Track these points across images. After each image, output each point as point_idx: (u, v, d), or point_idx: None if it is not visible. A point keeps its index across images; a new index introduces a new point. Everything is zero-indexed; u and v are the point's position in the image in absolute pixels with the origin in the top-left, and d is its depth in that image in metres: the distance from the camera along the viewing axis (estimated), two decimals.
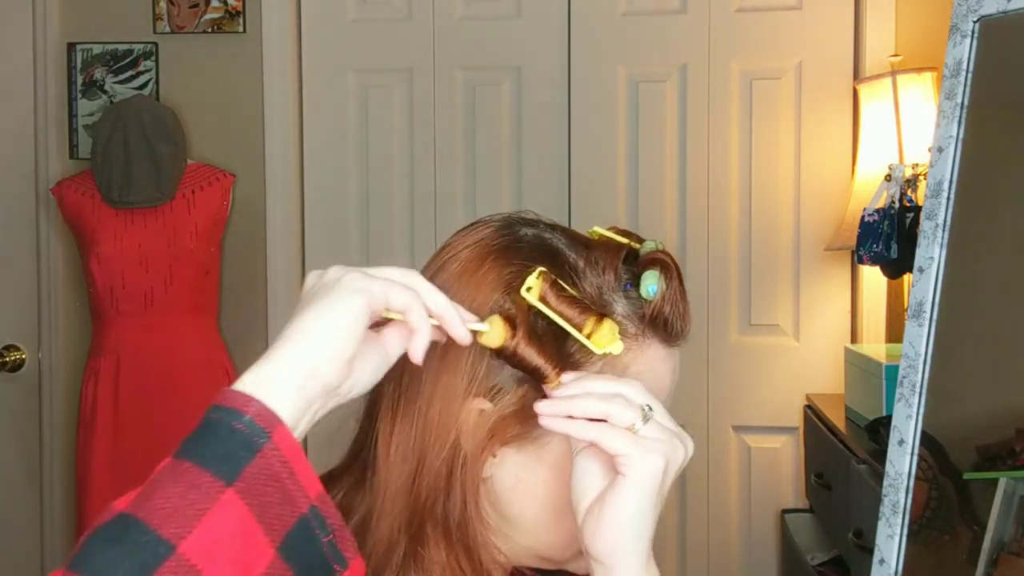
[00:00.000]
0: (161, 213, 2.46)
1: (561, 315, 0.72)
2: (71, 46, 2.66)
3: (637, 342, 0.75)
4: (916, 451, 1.31)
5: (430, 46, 2.66)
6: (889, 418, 1.43)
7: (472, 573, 0.75)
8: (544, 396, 0.71)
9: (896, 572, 1.30)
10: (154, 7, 2.64)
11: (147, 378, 2.43)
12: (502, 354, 0.71)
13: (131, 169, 2.41)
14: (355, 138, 2.70)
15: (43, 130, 2.62)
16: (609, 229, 0.81)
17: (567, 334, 0.72)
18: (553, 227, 0.79)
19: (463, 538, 0.74)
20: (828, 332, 2.53)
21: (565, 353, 0.73)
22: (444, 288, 0.73)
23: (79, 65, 2.66)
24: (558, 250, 0.76)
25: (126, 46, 2.65)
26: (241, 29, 2.62)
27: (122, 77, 2.65)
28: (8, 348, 2.50)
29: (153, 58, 2.64)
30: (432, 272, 0.78)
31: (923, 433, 1.32)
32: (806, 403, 2.43)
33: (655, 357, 0.76)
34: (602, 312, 0.73)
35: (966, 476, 1.37)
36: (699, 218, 2.57)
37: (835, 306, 2.54)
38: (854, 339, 2.51)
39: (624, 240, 0.79)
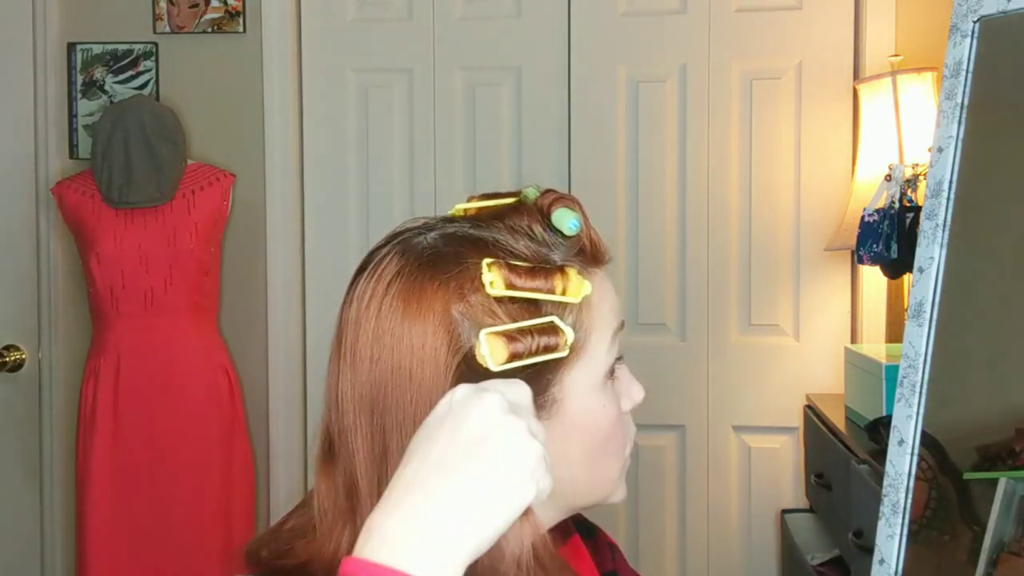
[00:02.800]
0: (161, 213, 2.46)
1: (532, 289, 0.73)
2: (71, 46, 2.66)
3: (591, 278, 0.77)
4: (916, 451, 1.31)
5: (430, 46, 2.66)
6: (889, 418, 1.43)
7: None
8: (552, 364, 0.74)
9: (896, 572, 1.30)
10: (154, 7, 2.64)
11: (147, 378, 2.43)
12: (513, 359, 0.71)
13: (131, 169, 2.41)
14: (355, 138, 2.70)
15: (43, 130, 2.62)
16: (470, 200, 0.82)
17: (537, 304, 0.73)
18: (445, 221, 0.79)
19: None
20: (828, 332, 2.53)
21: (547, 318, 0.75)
22: (393, 336, 0.72)
23: (79, 65, 2.66)
24: (475, 237, 0.76)
25: (126, 46, 2.65)
26: (241, 29, 2.62)
27: (122, 77, 2.65)
28: (8, 348, 2.50)
29: (153, 58, 2.64)
30: (371, 331, 0.74)
31: (923, 433, 1.32)
32: (806, 403, 2.43)
33: (601, 283, 0.79)
34: (560, 266, 0.75)
35: (966, 476, 1.37)
36: (699, 218, 2.57)
37: (835, 306, 2.54)
38: (854, 339, 2.51)
39: (508, 200, 0.81)
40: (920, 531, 1.34)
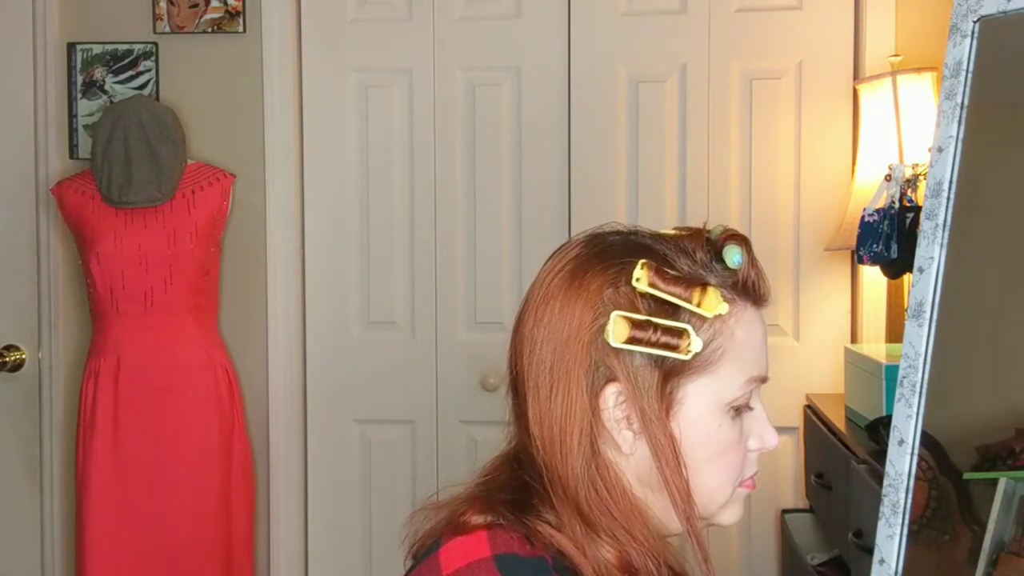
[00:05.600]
0: (161, 213, 2.45)
1: (671, 293, 0.84)
2: (71, 46, 2.66)
3: (735, 305, 0.87)
4: (916, 451, 1.31)
5: (430, 46, 2.66)
6: (889, 418, 1.43)
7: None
8: (677, 364, 0.85)
9: (896, 572, 1.30)
10: (154, 7, 2.64)
11: (147, 378, 2.43)
12: (635, 344, 0.83)
13: (131, 169, 2.41)
14: (355, 138, 2.70)
15: (43, 130, 2.62)
16: (673, 229, 0.93)
17: (677, 310, 0.84)
18: (634, 231, 0.92)
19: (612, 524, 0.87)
20: (828, 332, 2.53)
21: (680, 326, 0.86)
22: (556, 302, 0.87)
23: (79, 65, 2.66)
24: (647, 245, 0.89)
25: (126, 46, 2.65)
26: (241, 29, 2.62)
27: (122, 77, 2.65)
28: (8, 348, 2.50)
29: (153, 58, 2.64)
30: (539, 296, 0.89)
31: (923, 433, 1.32)
32: (806, 403, 2.43)
33: (752, 320, 0.89)
34: (704, 282, 0.85)
35: (966, 476, 1.37)
36: (699, 218, 2.56)
37: (835, 306, 2.54)
38: (854, 339, 2.51)
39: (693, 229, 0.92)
40: (920, 531, 1.34)
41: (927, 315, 1.31)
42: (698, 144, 2.57)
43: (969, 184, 1.31)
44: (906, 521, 1.31)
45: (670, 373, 0.86)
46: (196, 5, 2.63)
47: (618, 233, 0.92)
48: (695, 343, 0.84)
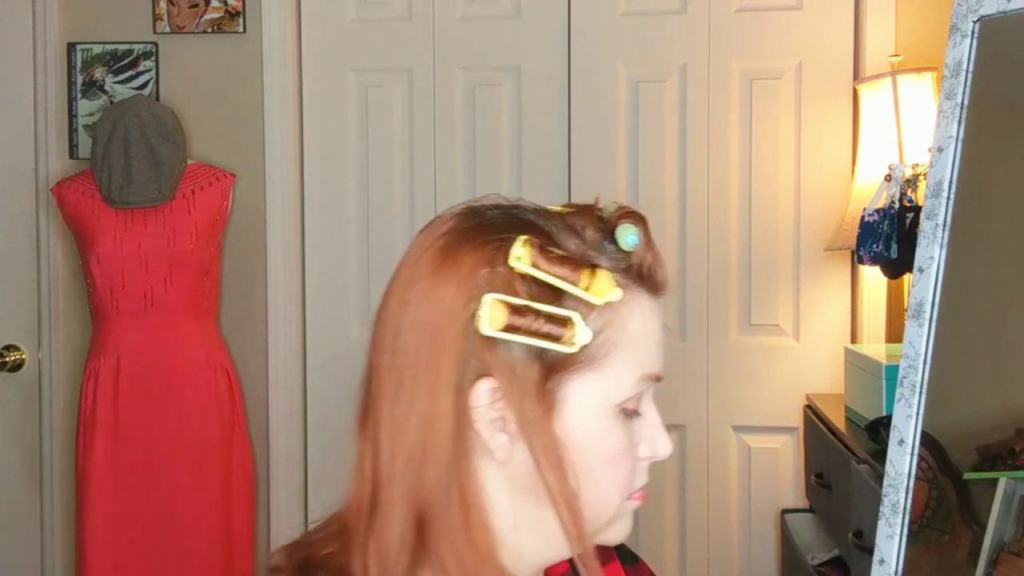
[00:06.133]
0: (161, 213, 2.46)
1: (555, 275, 0.73)
2: (71, 46, 2.66)
3: (629, 294, 0.76)
4: (916, 451, 1.31)
5: (430, 46, 2.66)
6: (889, 418, 1.43)
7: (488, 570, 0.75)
8: (560, 357, 0.73)
9: (896, 572, 1.30)
10: (154, 7, 2.64)
11: (147, 378, 2.43)
12: (513, 332, 0.72)
13: (131, 169, 2.41)
14: (355, 138, 2.70)
15: (43, 130, 2.62)
16: (562, 206, 0.82)
17: (562, 295, 0.73)
18: (516, 205, 0.80)
19: (473, 534, 0.75)
20: (828, 332, 2.53)
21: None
22: (424, 284, 0.75)
23: (79, 65, 2.66)
24: (530, 221, 0.77)
25: (126, 46, 2.65)
26: (241, 29, 2.62)
27: (122, 77, 2.65)
28: (8, 348, 2.50)
29: (153, 58, 2.64)
30: (405, 277, 0.78)
31: (923, 433, 1.32)
32: (806, 403, 2.43)
33: (647, 311, 0.77)
34: (594, 265, 0.74)
35: (966, 476, 1.37)
36: (699, 218, 2.57)
37: (835, 306, 2.54)
38: (854, 339, 2.51)
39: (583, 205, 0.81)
40: (920, 531, 1.34)
41: (927, 315, 1.31)
42: (698, 144, 2.57)
43: (969, 184, 1.31)
44: (906, 521, 1.31)
45: (552, 368, 0.74)
46: (196, 5, 2.63)
47: (498, 206, 0.80)
48: (582, 333, 0.73)
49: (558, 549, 0.80)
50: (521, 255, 0.73)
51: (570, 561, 0.86)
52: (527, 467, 0.75)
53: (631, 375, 0.76)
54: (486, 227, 0.76)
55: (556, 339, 0.73)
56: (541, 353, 0.73)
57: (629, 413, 0.78)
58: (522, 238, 0.74)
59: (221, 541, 2.46)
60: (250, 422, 2.60)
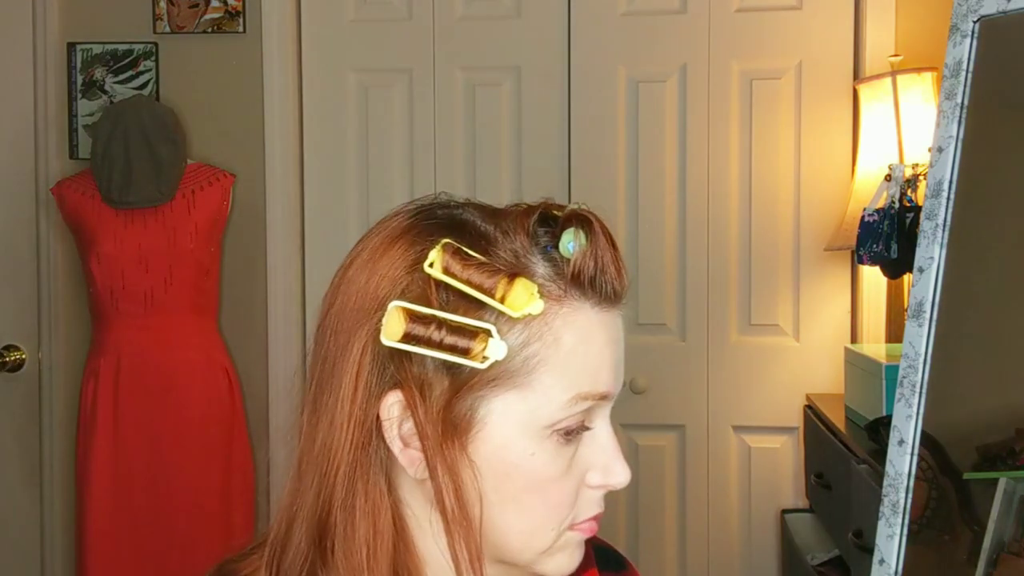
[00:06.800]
0: (161, 213, 2.46)
1: (468, 283, 0.67)
2: (71, 46, 2.66)
3: (564, 306, 0.69)
4: (916, 451, 1.31)
5: (430, 46, 2.66)
6: (889, 418, 1.43)
7: None
8: (475, 373, 0.68)
9: (896, 572, 1.30)
10: (154, 7, 2.64)
11: (147, 378, 2.43)
12: (414, 343, 0.67)
13: (131, 169, 2.41)
14: (355, 138, 2.70)
15: (43, 130, 2.62)
16: (514, 206, 0.75)
17: (483, 306, 0.67)
18: (469, 204, 0.74)
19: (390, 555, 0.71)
20: (828, 332, 2.53)
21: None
22: (350, 287, 0.72)
23: (79, 65, 2.66)
24: (467, 222, 0.71)
25: (126, 46, 2.65)
26: (241, 29, 2.62)
27: (122, 77, 2.65)
28: (8, 348, 2.50)
29: (153, 58, 2.64)
30: (345, 266, 0.74)
31: (923, 433, 1.32)
32: (806, 403, 2.43)
33: (588, 323, 0.69)
34: (514, 272, 0.67)
35: (966, 476, 1.37)
36: (699, 218, 2.57)
37: (835, 306, 2.54)
38: (854, 339, 2.51)
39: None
40: (920, 531, 1.34)
41: (927, 315, 1.31)
42: (698, 144, 2.57)
43: (969, 184, 1.31)
44: (906, 521, 1.31)
45: (465, 385, 0.68)
46: (196, 5, 2.63)
47: (447, 206, 0.74)
48: (495, 348, 0.66)
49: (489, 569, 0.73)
50: (435, 260, 0.68)
51: None
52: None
53: (561, 396, 0.69)
54: (424, 228, 0.71)
55: (463, 353, 0.67)
56: (452, 368, 0.68)
57: (571, 435, 0.70)
58: (443, 242, 0.68)
59: (221, 541, 2.46)
60: (250, 422, 2.60)
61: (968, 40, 1.31)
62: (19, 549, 2.58)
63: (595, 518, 0.74)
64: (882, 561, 1.32)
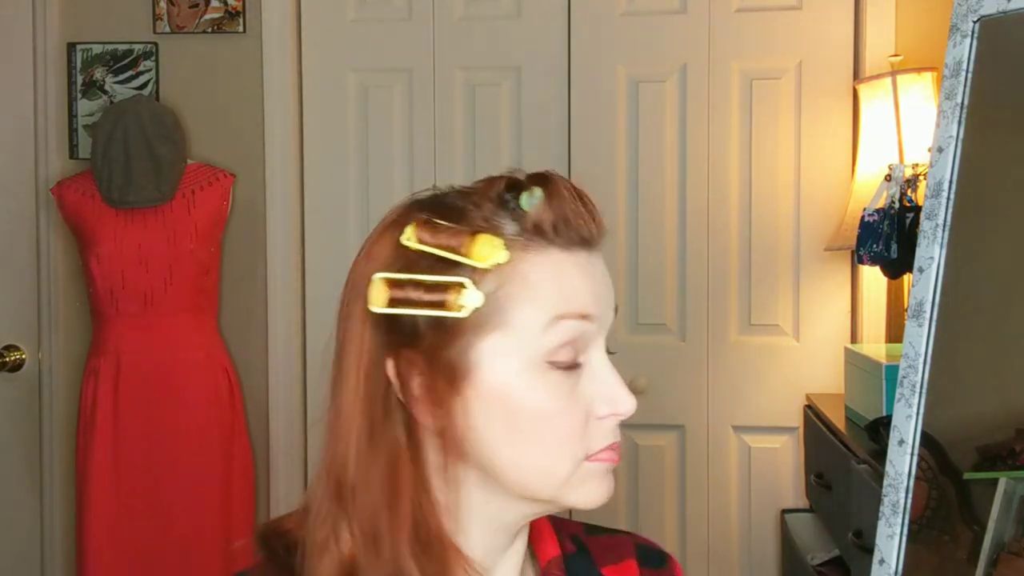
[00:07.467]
0: (161, 213, 2.46)
1: (439, 247, 0.74)
2: (71, 46, 2.66)
3: (530, 252, 0.76)
4: (916, 451, 1.31)
5: (430, 46, 2.66)
6: (889, 418, 1.43)
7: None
8: (458, 323, 0.74)
9: (896, 572, 1.30)
10: (154, 7, 2.64)
11: (147, 378, 2.43)
12: (398, 306, 0.74)
13: (131, 169, 2.41)
14: (355, 138, 2.70)
15: (43, 130, 2.62)
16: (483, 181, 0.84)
17: (455, 265, 0.74)
18: (445, 190, 0.82)
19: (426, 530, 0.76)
20: (828, 332, 2.53)
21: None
22: (355, 269, 0.80)
23: (79, 65, 2.66)
24: (443, 201, 0.79)
25: (126, 46, 2.65)
26: (241, 29, 2.62)
27: (122, 77, 2.65)
28: (8, 348, 2.50)
29: (153, 58, 2.64)
30: (355, 260, 0.82)
31: (923, 433, 1.32)
32: (806, 403, 2.43)
33: (556, 261, 0.76)
34: (477, 230, 0.75)
35: (966, 476, 1.37)
36: (699, 218, 2.57)
37: (835, 306, 2.54)
38: (854, 339, 2.51)
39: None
40: (920, 531, 1.34)
41: (927, 315, 1.31)
42: (698, 144, 2.57)
43: (969, 184, 1.31)
44: (906, 521, 1.31)
45: (454, 334, 0.74)
46: (196, 5, 2.63)
47: (434, 190, 0.83)
48: (470, 296, 0.73)
49: (519, 507, 0.79)
50: (410, 234, 0.76)
51: (561, 546, 0.87)
52: (468, 430, 0.76)
53: (539, 321, 0.75)
54: (405, 213, 0.79)
55: (442, 306, 0.74)
56: (439, 322, 0.74)
57: (568, 368, 0.76)
58: (417, 217, 0.76)
59: (221, 541, 2.46)
60: (250, 422, 2.60)
61: (968, 40, 1.31)
62: (19, 549, 2.58)
63: (612, 447, 0.78)
64: (882, 561, 1.32)
